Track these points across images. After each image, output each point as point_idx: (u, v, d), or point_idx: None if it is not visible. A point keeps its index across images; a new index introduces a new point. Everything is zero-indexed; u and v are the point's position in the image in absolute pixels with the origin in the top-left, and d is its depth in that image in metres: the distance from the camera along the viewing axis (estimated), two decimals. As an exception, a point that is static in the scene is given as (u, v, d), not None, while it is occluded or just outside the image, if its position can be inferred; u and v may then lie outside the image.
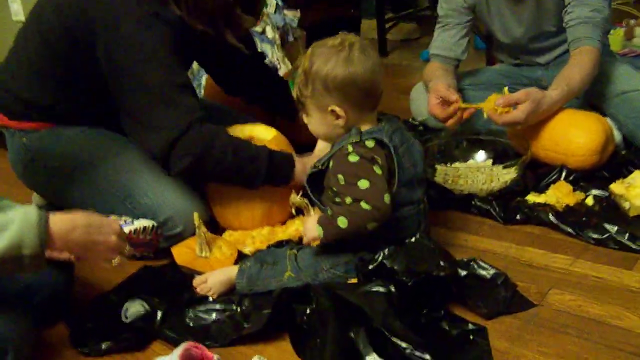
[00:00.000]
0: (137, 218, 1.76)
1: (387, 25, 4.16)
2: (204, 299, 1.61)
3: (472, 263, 1.61)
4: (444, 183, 2.05)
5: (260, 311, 1.51)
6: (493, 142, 2.20)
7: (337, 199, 1.53)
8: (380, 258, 1.51)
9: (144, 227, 1.71)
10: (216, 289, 1.63)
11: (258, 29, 3.08)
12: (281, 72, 2.97)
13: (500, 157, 2.14)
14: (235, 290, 1.63)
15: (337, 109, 1.53)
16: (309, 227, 1.57)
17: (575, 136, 2.06)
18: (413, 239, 1.56)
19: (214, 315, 1.56)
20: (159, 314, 1.56)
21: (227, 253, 1.80)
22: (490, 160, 2.18)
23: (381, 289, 1.45)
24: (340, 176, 1.51)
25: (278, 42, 3.10)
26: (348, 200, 1.49)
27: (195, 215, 1.78)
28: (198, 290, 1.64)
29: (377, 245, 1.56)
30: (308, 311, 1.49)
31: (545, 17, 2.33)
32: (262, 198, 1.90)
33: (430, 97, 2.22)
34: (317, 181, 1.61)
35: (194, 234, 1.83)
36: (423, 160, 1.65)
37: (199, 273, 1.71)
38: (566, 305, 1.54)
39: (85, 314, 1.63)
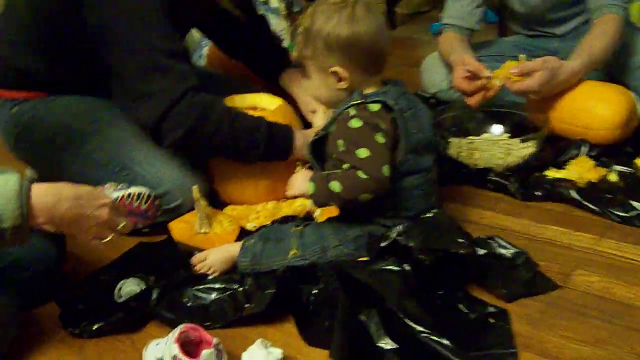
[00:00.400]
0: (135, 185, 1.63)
1: (395, -2, 4.03)
2: (203, 278, 1.51)
3: (490, 241, 1.52)
4: (458, 157, 1.94)
5: (264, 291, 1.41)
6: (510, 114, 2.09)
7: (338, 171, 1.43)
8: (393, 235, 1.40)
9: (139, 194, 1.58)
10: (217, 267, 1.52)
11: (262, -3, 2.97)
12: (286, 43, 2.85)
13: (517, 130, 2.02)
14: (237, 269, 1.52)
15: (339, 70, 1.43)
16: (299, 180, 1.50)
17: (596, 109, 1.95)
18: (429, 214, 1.45)
19: (213, 295, 1.46)
20: (155, 293, 1.45)
21: (228, 229, 1.70)
22: (507, 134, 2.07)
23: (395, 268, 1.34)
24: (340, 141, 1.42)
25: (283, 11, 2.99)
26: (345, 166, 1.40)
27: (194, 188, 1.67)
28: (197, 268, 1.53)
29: (386, 219, 1.46)
30: (315, 291, 1.39)
31: None
32: (267, 171, 1.79)
33: (457, 69, 2.09)
34: (321, 150, 1.51)
35: (193, 208, 1.72)
36: (432, 125, 1.54)
37: (198, 250, 1.60)
38: (592, 287, 1.44)
39: (77, 293, 1.53)
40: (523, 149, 1.90)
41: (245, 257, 1.51)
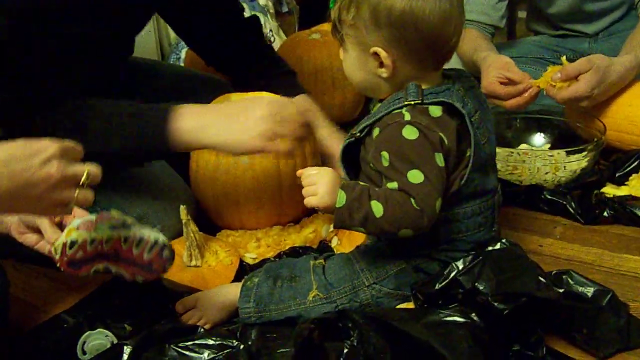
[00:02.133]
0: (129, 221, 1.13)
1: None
2: (192, 330, 1.16)
3: (564, 277, 1.17)
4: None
5: (275, 350, 1.06)
6: (553, 121, 1.79)
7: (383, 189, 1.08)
8: (453, 273, 1.05)
9: (140, 240, 1.10)
10: (210, 317, 1.18)
11: (248, -7, 2.64)
12: (276, 45, 2.52)
13: (563, 140, 1.72)
14: (237, 318, 1.18)
15: (382, 52, 1.07)
16: (324, 183, 1.08)
17: (657, 113, 1.67)
18: (497, 245, 1.10)
19: (205, 354, 1.09)
20: (127, 350, 1.10)
21: (225, 261, 1.35)
22: (548, 145, 1.76)
23: (460, 319, 0.99)
24: (385, 154, 1.06)
25: (272, 10, 2.67)
26: (392, 185, 1.04)
27: (182, 209, 1.32)
28: (184, 318, 1.19)
29: (439, 252, 1.13)
30: (346, 350, 1.03)
31: None
32: (270, 187, 1.44)
33: (489, 71, 1.77)
34: (355, 156, 1.16)
35: (179, 235, 1.37)
36: (494, 131, 1.21)
37: (187, 290, 1.26)
38: None
39: (25, 347, 1.19)
40: (573, 163, 1.58)
41: (248, 301, 1.16)
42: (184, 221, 1.32)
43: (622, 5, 2.03)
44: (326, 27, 2.31)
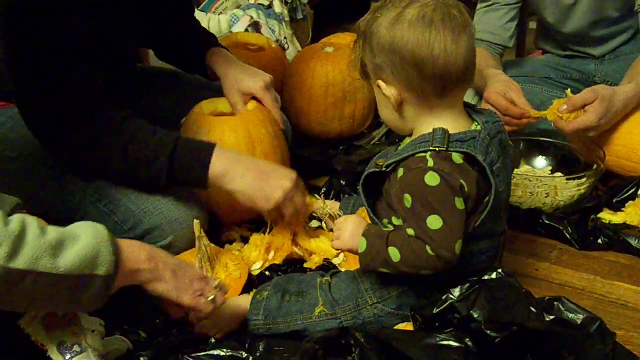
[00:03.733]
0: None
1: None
2: (204, 340, 1.22)
3: (556, 303, 1.23)
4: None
5: (281, 362, 1.12)
6: (556, 145, 1.82)
7: (397, 221, 1.15)
8: (450, 300, 1.12)
9: None
10: (220, 327, 1.24)
11: (264, 1, 2.68)
12: (290, 53, 2.57)
13: (564, 163, 1.77)
14: (247, 330, 1.24)
15: (382, 84, 1.14)
16: (349, 229, 1.19)
17: (656, 141, 1.71)
18: (494, 275, 1.16)
19: (215, 364, 1.16)
20: (142, 360, 1.15)
21: (234, 274, 1.40)
22: (550, 168, 1.80)
23: (454, 344, 1.06)
24: (407, 197, 1.10)
25: (287, 18, 2.71)
26: (410, 232, 1.10)
27: (196, 223, 1.37)
28: (196, 328, 1.25)
29: (439, 276, 1.17)
30: (347, 364, 1.10)
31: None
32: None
33: (498, 85, 1.82)
34: (376, 184, 1.21)
35: (191, 246, 1.42)
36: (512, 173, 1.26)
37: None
38: (685, 366, 1.17)
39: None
40: (572, 189, 1.64)
41: (257, 314, 1.23)
42: (197, 235, 1.37)
43: (628, 30, 2.07)
44: (340, 39, 2.36)
